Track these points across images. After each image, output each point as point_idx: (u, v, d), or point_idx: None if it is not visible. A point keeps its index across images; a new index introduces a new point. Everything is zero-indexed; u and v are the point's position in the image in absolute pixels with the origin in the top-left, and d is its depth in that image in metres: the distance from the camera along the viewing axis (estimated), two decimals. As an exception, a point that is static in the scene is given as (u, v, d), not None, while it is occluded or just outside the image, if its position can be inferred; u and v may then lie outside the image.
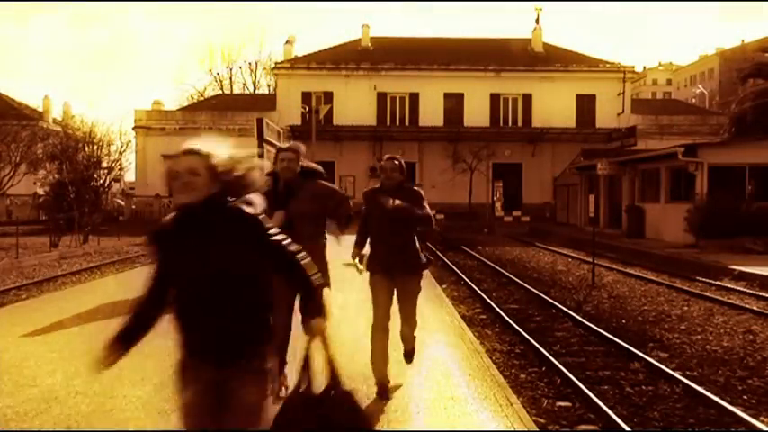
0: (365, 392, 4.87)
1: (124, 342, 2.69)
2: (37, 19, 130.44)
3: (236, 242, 2.43)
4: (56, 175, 26.62)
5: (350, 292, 8.22)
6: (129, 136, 35.36)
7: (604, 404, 5.76)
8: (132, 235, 24.82)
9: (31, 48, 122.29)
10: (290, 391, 2.97)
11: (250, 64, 60.21)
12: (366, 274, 4.94)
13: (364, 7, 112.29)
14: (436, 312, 8.64)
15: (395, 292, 4.87)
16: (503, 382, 5.56)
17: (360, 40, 40.92)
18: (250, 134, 12.59)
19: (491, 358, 6.90)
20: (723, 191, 19.80)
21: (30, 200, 34.58)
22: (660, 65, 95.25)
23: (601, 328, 8.91)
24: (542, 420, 5.58)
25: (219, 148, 2.49)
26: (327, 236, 5.00)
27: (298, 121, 34.87)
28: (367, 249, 5.07)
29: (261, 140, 11.43)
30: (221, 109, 39.13)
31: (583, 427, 5.52)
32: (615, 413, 5.57)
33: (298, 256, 2.54)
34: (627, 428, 5.27)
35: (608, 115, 37.44)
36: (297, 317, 3.52)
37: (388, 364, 5.02)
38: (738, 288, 12.70)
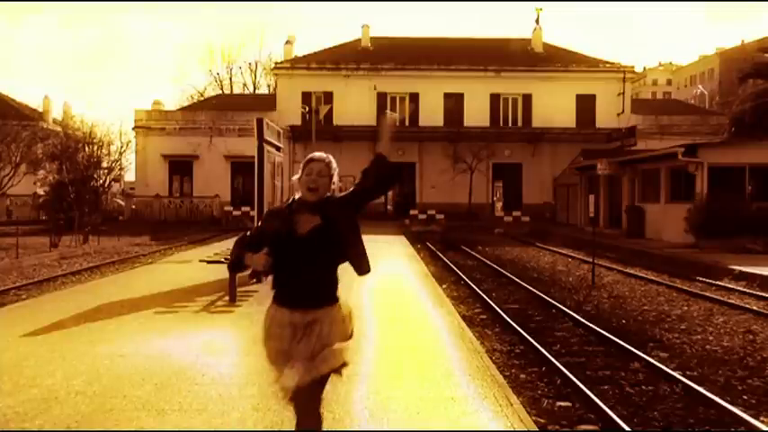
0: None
1: None
2: (35, 19, 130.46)
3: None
4: (56, 176, 26.64)
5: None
6: (129, 136, 35.42)
7: (604, 404, 5.76)
8: (132, 235, 24.85)
9: (30, 48, 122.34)
10: None
11: (250, 64, 60.33)
12: None
13: (364, 7, 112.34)
14: (436, 312, 8.64)
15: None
16: (503, 382, 5.56)
17: (360, 40, 40.92)
18: (250, 134, 12.58)
19: (491, 358, 6.90)
20: (723, 191, 19.81)
21: (30, 200, 34.57)
22: (660, 65, 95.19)
23: (601, 328, 8.91)
24: (542, 420, 5.58)
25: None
26: None
27: (298, 122, 34.86)
28: None
29: (261, 140, 11.41)
30: (221, 109, 39.12)
31: (583, 427, 5.52)
32: (615, 413, 5.57)
33: None
34: (627, 428, 5.27)
35: (608, 115, 37.43)
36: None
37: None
38: (738, 288, 12.71)
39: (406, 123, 36.63)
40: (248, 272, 3.24)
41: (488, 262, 17.63)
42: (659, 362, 7.27)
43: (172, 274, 12.89)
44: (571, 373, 6.69)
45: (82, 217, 22.48)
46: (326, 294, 3.22)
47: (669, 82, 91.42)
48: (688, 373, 7.01)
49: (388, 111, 3.69)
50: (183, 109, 44.33)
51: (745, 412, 5.63)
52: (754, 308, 10.60)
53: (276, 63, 42.41)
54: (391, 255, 16.17)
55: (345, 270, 3.23)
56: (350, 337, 3.28)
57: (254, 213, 12.15)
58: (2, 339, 6.81)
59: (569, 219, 33.03)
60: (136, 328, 7.47)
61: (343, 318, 3.23)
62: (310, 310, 3.16)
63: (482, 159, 34.92)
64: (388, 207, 35.37)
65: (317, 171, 3.22)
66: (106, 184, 29.65)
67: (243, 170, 35.75)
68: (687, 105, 50.17)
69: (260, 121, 11.36)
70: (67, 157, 27.32)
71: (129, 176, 42.91)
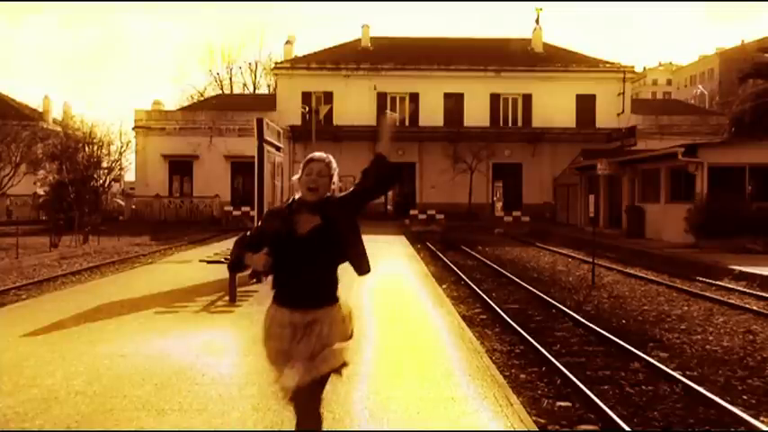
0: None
1: None
2: (35, 19, 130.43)
3: None
4: (56, 176, 26.65)
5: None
6: (129, 136, 35.45)
7: (604, 404, 5.76)
8: (132, 235, 24.86)
9: (30, 48, 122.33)
10: None
11: (250, 64, 60.36)
12: None
13: (364, 7, 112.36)
14: (436, 312, 8.64)
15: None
16: (503, 382, 5.56)
17: (360, 40, 40.93)
18: (250, 134, 12.58)
19: (491, 358, 6.90)
20: (723, 191, 19.81)
21: (30, 200, 34.59)
22: (660, 65, 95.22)
23: (601, 328, 8.91)
24: (542, 420, 5.58)
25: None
26: None
27: (298, 122, 34.86)
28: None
29: (261, 140, 11.42)
30: (221, 109, 39.13)
31: (583, 427, 5.52)
32: (615, 413, 5.57)
33: None
34: (627, 428, 5.27)
35: (608, 115, 37.44)
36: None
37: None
38: (738, 288, 12.71)
39: (406, 123, 36.65)
40: (248, 272, 3.26)
41: (488, 262, 17.63)
42: (659, 362, 7.27)
43: (172, 274, 12.89)
44: (571, 373, 6.69)
45: (82, 217, 22.48)
46: (326, 294, 3.19)
47: (669, 82, 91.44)
48: (688, 373, 7.01)
49: (388, 111, 3.66)
50: (183, 109, 44.33)
51: (745, 412, 5.63)
52: (754, 308, 10.60)
53: (276, 63, 42.42)
54: (391, 255, 16.17)
55: (345, 270, 3.23)
56: (350, 337, 3.25)
57: (254, 213, 12.16)
58: (2, 339, 6.81)
59: (569, 219, 33.03)
60: (136, 328, 7.47)
61: (343, 318, 3.20)
62: (310, 310, 3.13)
63: (482, 159, 34.92)
64: (388, 207, 35.38)
65: (317, 171, 3.19)
66: (106, 184, 29.67)
67: (243, 170, 35.75)
68: (687, 105, 50.17)
69: (260, 121, 11.36)
70: (67, 157, 27.34)
71: (129, 176, 42.97)
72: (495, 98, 37.95)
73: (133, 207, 37.22)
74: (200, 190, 36.96)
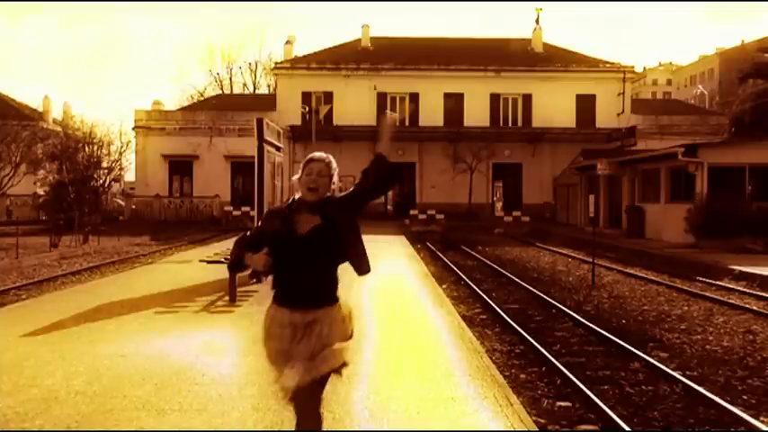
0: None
1: None
2: (35, 19, 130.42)
3: None
4: (56, 176, 26.66)
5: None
6: (129, 136, 35.47)
7: (604, 404, 5.76)
8: (132, 235, 24.86)
9: (30, 48, 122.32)
10: None
11: (250, 64, 60.38)
12: None
13: (364, 7, 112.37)
14: (436, 312, 8.64)
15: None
16: (503, 382, 5.56)
17: (360, 40, 40.94)
18: (250, 134, 12.58)
19: (491, 358, 6.90)
20: (723, 191, 19.81)
21: (30, 200, 34.60)
22: (660, 65, 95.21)
23: (601, 328, 8.91)
24: (542, 420, 5.58)
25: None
26: None
27: (298, 122, 34.86)
28: None
29: (261, 140, 11.41)
30: (221, 109, 39.13)
31: (583, 427, 5.52)
32: (615, 413, 5.57)
33: None
34: (627, 428, 5.27)
35: (608, 115, 37.44)
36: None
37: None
38: (738, 288, 12.71)
39: (406, 123, 36.65)
40: (248, 272, 3.27)
41: (488, 262, 17.62)
42: (659, 362, 7.27)
43: (172, 274, 12.89)
44: (571, 373, 6.69)
45: (82, 217, 22.48)
46: (326, 294, 3.18)
47: (669, 82, 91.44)
48: (688, 373, 7.01)
49: (388, 111, 3.65)
50: (183, 109, 44.32)
51: (745, 412, 5.63)
52: (754, 308, 10.60)
53: (276, 63, 42.43)
54: (391, 255, 16.17)
55: (345, 270, 3.23)
56: (350, 337, 3.25)
57: (254, 213, 12.16)
58: (2, 339, 6.81)
59: (569, 219, 33.03)
60: (136, 328, 7.47)
61: (343, 318, 3.20)
62: (310, 310, 3.13)
63: (482, 159, 34.93)
64: (388, 207, 35.37)
65: (317, 171, 3.19)
66: (106, 184, 29.69)
67: (243, 170, 35.75)
68: (687, 105, 50.16)
69: (260, 121, 11.35)
70: (67, 157, 27.36)
71: (129, 176, 42.99)
72: (495, 98, 37.95)
73: (133, 207, 37.22)
74: (200, 190, 36.97)
